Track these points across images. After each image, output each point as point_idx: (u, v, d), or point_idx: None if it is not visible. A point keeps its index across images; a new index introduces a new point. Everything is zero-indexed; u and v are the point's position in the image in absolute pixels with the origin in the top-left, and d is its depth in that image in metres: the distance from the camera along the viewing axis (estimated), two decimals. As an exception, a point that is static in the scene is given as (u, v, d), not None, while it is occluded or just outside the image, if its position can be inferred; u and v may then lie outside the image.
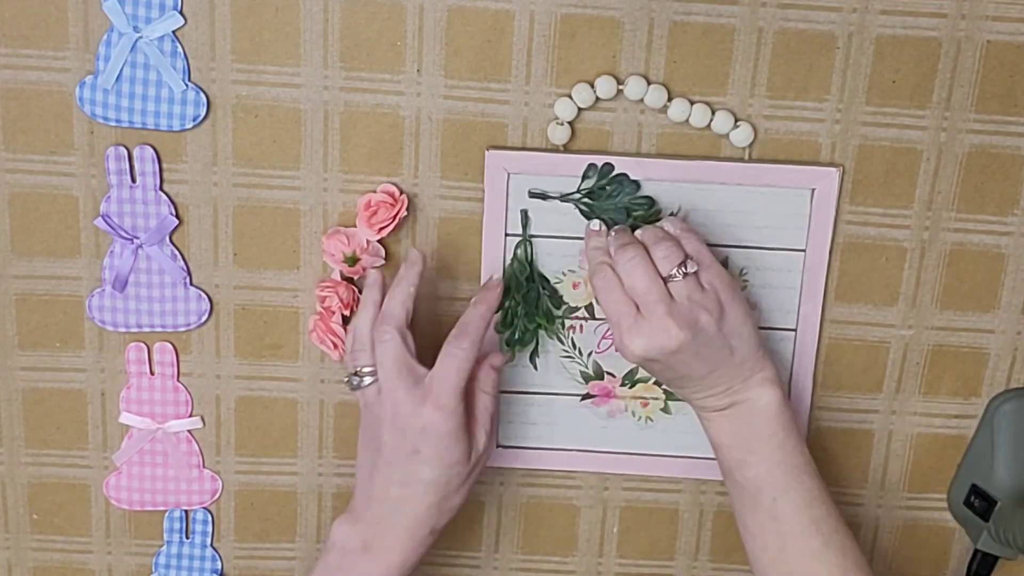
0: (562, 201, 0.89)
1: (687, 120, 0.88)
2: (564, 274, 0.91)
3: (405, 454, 0.84)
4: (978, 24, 0.86)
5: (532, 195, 0.89)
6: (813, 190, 0.89)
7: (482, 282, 0.91)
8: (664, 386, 0.94)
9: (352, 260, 0.90)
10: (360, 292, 0.91)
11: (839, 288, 0.92)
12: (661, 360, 0.84)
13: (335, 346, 0.91)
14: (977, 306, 0.93)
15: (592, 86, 0.87)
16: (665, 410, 0.95)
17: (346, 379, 0.87)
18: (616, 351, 0.85)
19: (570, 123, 0.88)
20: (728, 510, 0.97)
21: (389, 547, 0.85)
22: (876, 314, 0.93)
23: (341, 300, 0.90)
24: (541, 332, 0.93)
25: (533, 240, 0.91)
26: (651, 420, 0.95)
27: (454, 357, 0.85)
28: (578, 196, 0.89)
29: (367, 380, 0.86)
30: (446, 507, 0.86)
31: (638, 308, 0.83)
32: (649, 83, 0.87)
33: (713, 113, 0.88)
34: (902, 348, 0.94)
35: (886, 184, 0.90)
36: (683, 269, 0.84)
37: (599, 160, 0.88)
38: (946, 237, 0.91)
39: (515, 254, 0.91)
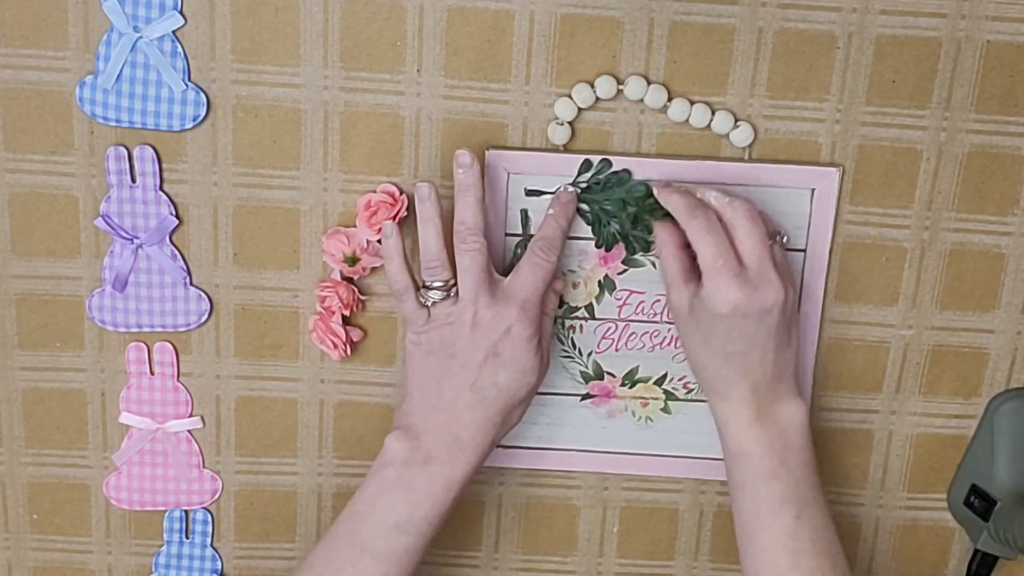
0: (559, 201, 0.90)
1: (687, 120, 0.88)
2: (564, 274, 0.91)
3: (484, 356, 0.84)
4: (978, 24, 0.86)
5: (528, 192, 0.89)
6: (813, 190, 0.89)
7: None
8: (664, 386, 0.94)
9: (352, 260, 0.90)
10: (360, 292, 0.91)
11: (839, 288, 0.92)
12: (749, 316, 0.83)
13: (335, 346, 0.91)
14: (977, 306, 0.93)
15: (592, 86, 0.87)
16: (665, 410, 0.95)
17: (419, 296, 0.86)
18: (698, 298, 0.84)
19: (570, 123, 0.88)
20: (728, 510, 0.97)
21: (452, 459, 0.85)
22: (876, 314, 0.93)
23: (341, 300, 0.90)
24: (541, 332, 0.93)
25: (533, 241, 0.91)
26: (651, 420, 0.95)
27: (539, 267, 0.86)
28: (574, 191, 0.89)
29: (439, 295, 0.85)
30: (509, 420, 0.87)
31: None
32: (649, 83, 0.87)
33: (713, 113, 0.88)
34: (902, 348, 0.94)
35: (886, 184, 0.90)
36: (780, 238, 0.86)
37: (595, 157, 0.88)
38: (946, 237, 0.91)
39: (515, 254, 0.91)
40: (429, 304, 0.85)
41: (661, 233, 0.87)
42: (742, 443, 0.86)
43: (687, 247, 0.86)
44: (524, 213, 0.90)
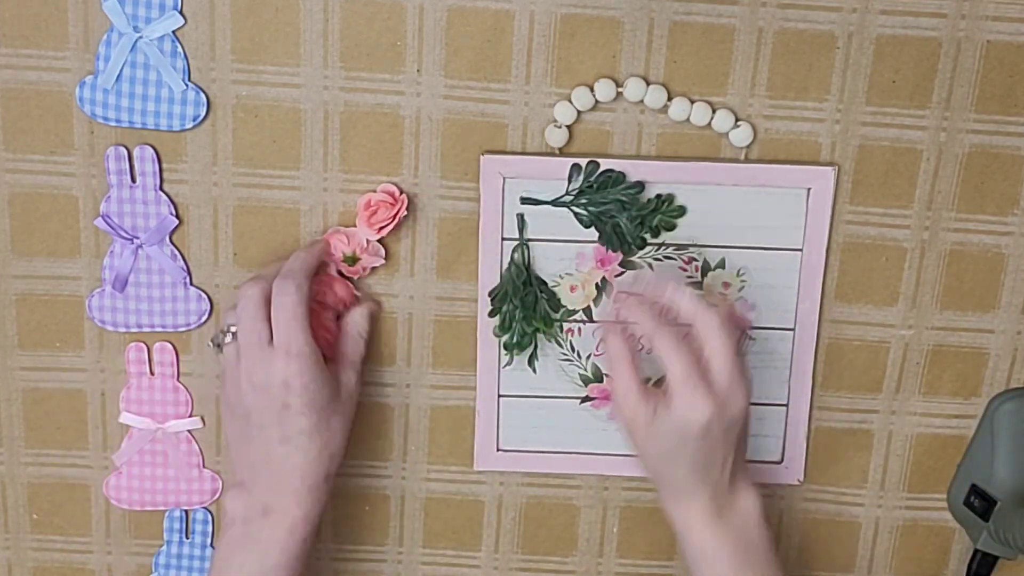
0: (554, 206, 0.89)
1: (688, 119, 0.88)
2: (561, 277, 0.91)
3: (275, 412, 0.83)
4: (978, 24, 0.86)
5: (524, 201, 0.89)
6: (809, 189, 0.89)
7: (480, 284, 0.91)
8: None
9: (352, 260, 0.90)
10: (358, 291, 0.91)
11: (839, 288, 0.92)
12: (718, 430, 0.81)
13: (328, 343, 0.91)
14: (977, 306, 0.93)
15: (591, 89, 0.87)
16: (665, 410, 0.95)
17: (210, 341, 0.86)
18: (665, 414, 0.81)
19: (568, 126, 0.88)
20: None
21: (289, 505, 0.84)
22: (876, 314, 0.93)
23: (336, 295, 0.89)
24: (539, 336, 0.92)
25: (530, 244, 0.90)
26: (651, 420, 0.95)
27: (284, 304, 0.83)
28: (569, 199, 0.89)
29: (228, 338, 0.85)
30: (329, 451, 0.85)
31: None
32: (648, 84, 0.87)
33: (714, 111, 0.88)
34: (902, 348, 0.94)
35: (886, 184, 0.90)
36: (747, 337, 0.84)
37: (583, 160, 0.88)
38: (946, 237, 0.91)
39: (512, 258, 0.90)
40: (218, 348, 0.86)
41: (613, 344, 0.84)
42: (705, 545, 0.84)
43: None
44: (520, 217, 0.90)
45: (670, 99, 0.88)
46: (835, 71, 0.87)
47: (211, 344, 0.88)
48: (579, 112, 0.88)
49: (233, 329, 0.85)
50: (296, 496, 0.84)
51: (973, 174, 0.90)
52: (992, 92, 0.88)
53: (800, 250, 0.91)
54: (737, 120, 0.88)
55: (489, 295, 0.91)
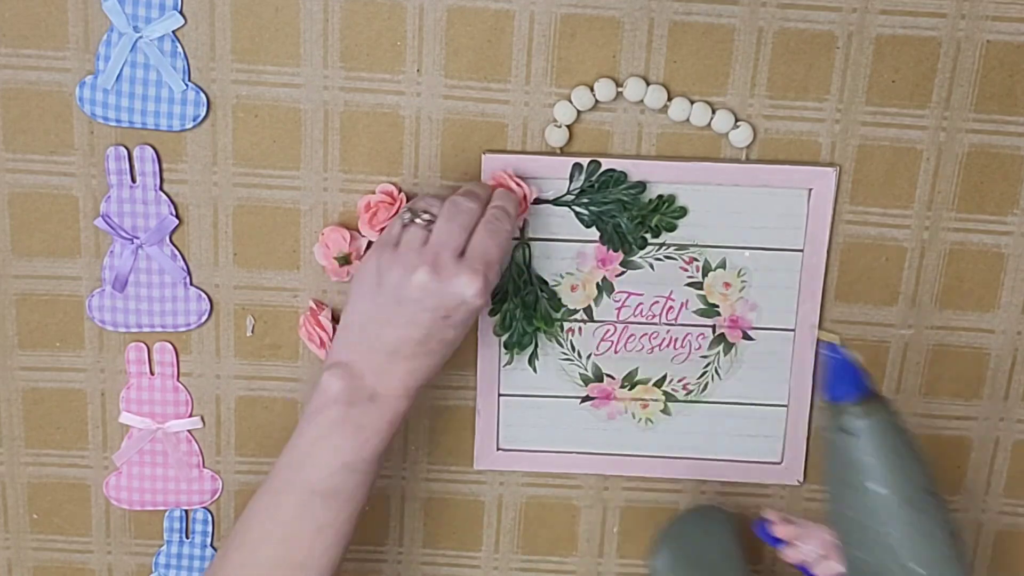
0: (556, 205, 0.89)
1: (687, 119, 0.88)
2: (562, 276, 0.91)
3: (433, 318, 0.81)
4: (978, 24, 0.86)
5: (525, 200, 0.90)
6: (810, 190, 0.89)
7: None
8: (663, 388, 0.94)
9: (344, 260, 0.90)
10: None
11: (839, 288, 0.92)
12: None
13: (321, 343, 0.91)
14: (977, 306, 0.93)
15: (591, 89, 0.87)
16: (665, 411, 0.95)
17: (405, 212, 0.83)
18: None
19: (568, 126, 0.88)
20: (727, 509, 0.97)
21: (399, 399, 0.83)
22: (876, 314, 0.93)
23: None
24: (540, 335, 0.93)
25: (531, 243, 0.90)
26: (651, 422, 0.95)
27: (497, 230, 0.82)
28: (571, 198, 0.89)
29: (420, 222, 0.82)
30: (444, 363, 0.85)
31: None
32: (648, 84, 0.87)
33: (713, 112, 0.88)
34: (902, 348, 0.94)
35: (886, 184, 0.90)
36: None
37: (584, 160, 0.88)
38: (946, 237, 0.91)
39: (513, 257, 0.90)
40: (406, 221, 0.83)
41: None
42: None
43: None
44: (522, 215, 0.90)
45: (670, 99, 0.88)
46: (835, 71, 0.88)
47: (403, 216, 0.83)
48: (579, 112, 0.88)
49: (427, 217, 0.83)
50: (407, 393, 0.83)
51: (973, 174, 0.90)
52: (992, 92, 0.88)
53: (801, 250, 0.91)
54: (737, 120, 0.88)
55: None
